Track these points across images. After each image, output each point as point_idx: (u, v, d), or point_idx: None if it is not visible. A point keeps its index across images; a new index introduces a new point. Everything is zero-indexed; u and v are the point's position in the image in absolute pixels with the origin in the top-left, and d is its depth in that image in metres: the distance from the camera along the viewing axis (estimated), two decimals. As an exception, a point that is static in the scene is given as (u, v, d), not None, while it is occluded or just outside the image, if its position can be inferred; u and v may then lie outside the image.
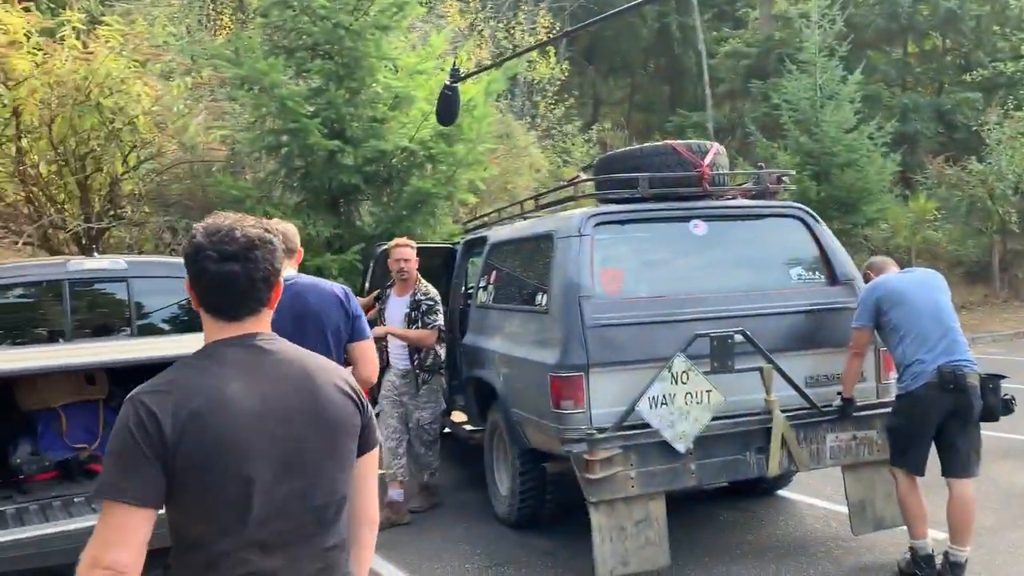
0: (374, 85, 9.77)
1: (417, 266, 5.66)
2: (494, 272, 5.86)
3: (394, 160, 9.87)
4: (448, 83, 6.68)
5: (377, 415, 5.29)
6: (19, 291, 4.97)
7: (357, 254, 9.13)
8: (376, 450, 1.91)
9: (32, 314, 5.01)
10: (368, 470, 1.89)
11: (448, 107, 6.76)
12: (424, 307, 5.53)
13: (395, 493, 5.56)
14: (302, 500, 1.70)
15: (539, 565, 4.77)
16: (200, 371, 1.69)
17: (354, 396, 1.82)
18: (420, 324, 5.50)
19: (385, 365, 5.62)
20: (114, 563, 1.56)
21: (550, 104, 19.00)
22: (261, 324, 1.79)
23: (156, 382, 1.68)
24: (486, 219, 7.24)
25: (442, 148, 9.74)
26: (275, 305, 1.82)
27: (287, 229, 3.44)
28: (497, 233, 6.14)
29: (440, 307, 5.62)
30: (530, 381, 4.74)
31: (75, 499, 3.88)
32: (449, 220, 10.82)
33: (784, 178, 5.34)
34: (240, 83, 9.45)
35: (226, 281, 1.72)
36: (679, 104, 27.54)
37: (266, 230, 1.79)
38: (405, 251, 5.59)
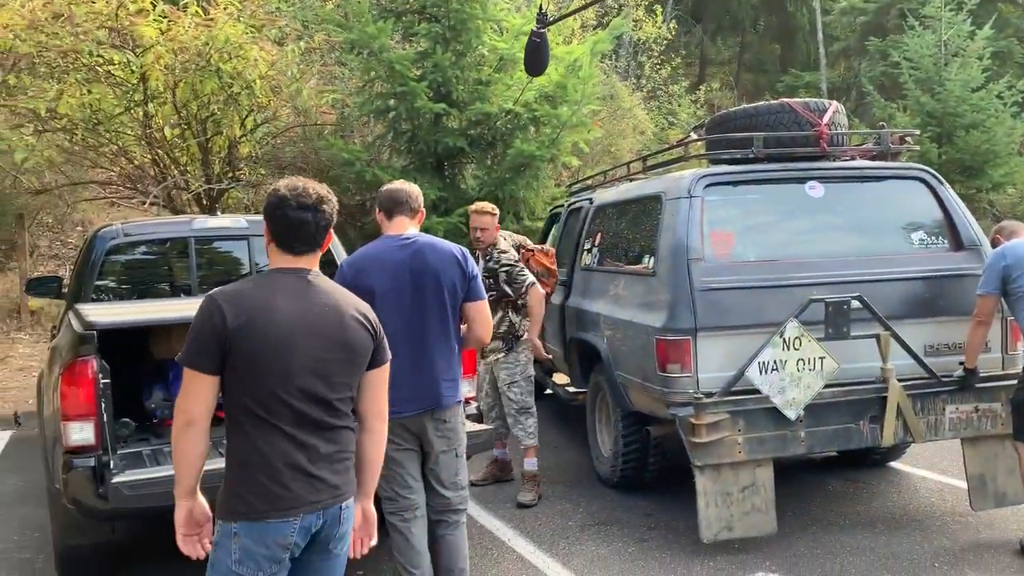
0: (480, 47, 9.79)
1: (494, 234, 5.17)
2: (599, 234, 5.84)
3: (498, 123, 9.89)
4: (535, 29, 6.14)
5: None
6: (149, 248, 5.27)
7: (461, 216, 9.24)
8: (385, 366, 2.46)
9: (161, 270, 5.31)
10: (378, 380, 2.45)
11: (537, 55, 6.16)
12: (503, 274, 5.08)
13: (498, 452, 5.59)
14: (318, 393, 2.26)
15: (640, 525, 4.79)
16: (260, 287, 2.31)
17: (368, 326, 2.38)
18: (509, 291, 5.08)
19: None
20: (187, 411, 2.21)
21: (656, 64, 18.60)
22: (313, 261, 2.37)
23: (229, 289, 2.29)
24: (590, 181, 7.19)
25: (546, 110, 9.69)
26: (327, 247, 2.40)
27: (412, 190, 3.51)
28: (602, 195, 6.11)
29: (519, 262, 5.16)
30: (635, 344, 4.73)
31: None
32: (552, 183, 10.80)
33: (908, 138, 5.10)
34: (350, 47, 9.62)
35: (300, 225, 2.29)
36: (790, 64, 26.46)
37: (328, 191, 2.36)
38: (481, 219, 5.12)
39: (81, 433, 3.40)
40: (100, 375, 3.40)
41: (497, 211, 5.29)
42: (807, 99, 4.96)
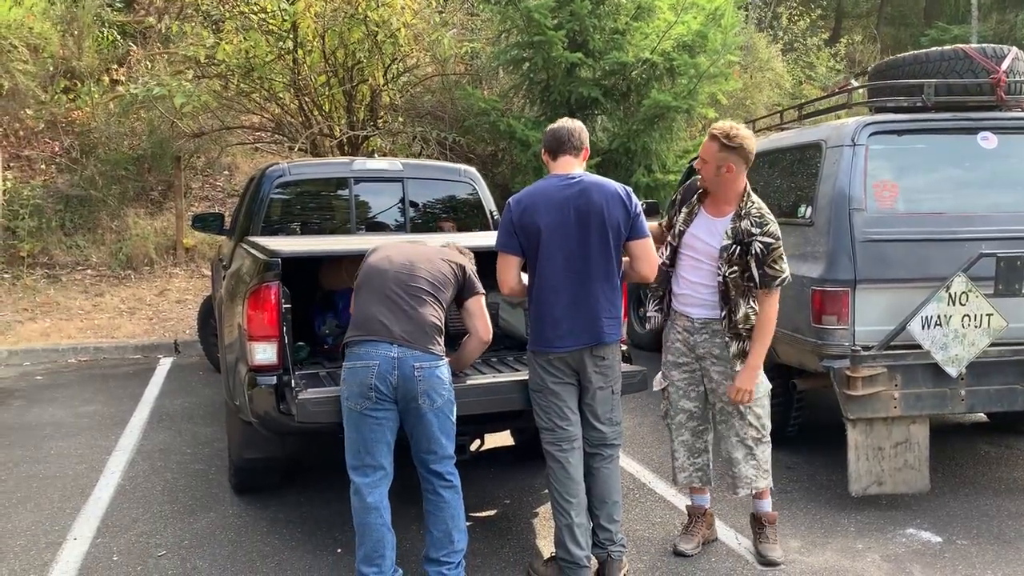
0: (617, -5, 9.70)
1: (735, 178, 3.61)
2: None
3: (634, 72, 9.80)
4: None
5: (664, 390, 3.92)
6: (312, 186, 5.53)
7: (592, 168, 9.25)
8: (477, 298, 3.58)
9: (322, 207, 5.56)
10: (474, 309, 3.58)
11: None
12: (760, 248, 3.53)
13: (763, 503, 3.87)
14: (402, 293, 3.35)
15: (781, 477, 4.77)
16: (386, 243, 3.63)
17: (455, 268, 3.53)
18: (755, 273, 3.55)
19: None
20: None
21: (794, 16, 17.85)
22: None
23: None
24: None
25: (684, 60, 9.54)
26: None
27: (574, 127, 3.55)
28: (750, 145, 5.98)
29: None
30: (786, 294, 4.61)
31: None
32: (685, 136, 10.63)
33: (1094, 87, 4.77)
34: (488, -4, 9.70)
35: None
36: (935, 16, 24.85)
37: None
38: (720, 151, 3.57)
39: (265, 353, 3.65)
40: (283, 300, 3.63)
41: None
42: (984, 45, 4.71)
